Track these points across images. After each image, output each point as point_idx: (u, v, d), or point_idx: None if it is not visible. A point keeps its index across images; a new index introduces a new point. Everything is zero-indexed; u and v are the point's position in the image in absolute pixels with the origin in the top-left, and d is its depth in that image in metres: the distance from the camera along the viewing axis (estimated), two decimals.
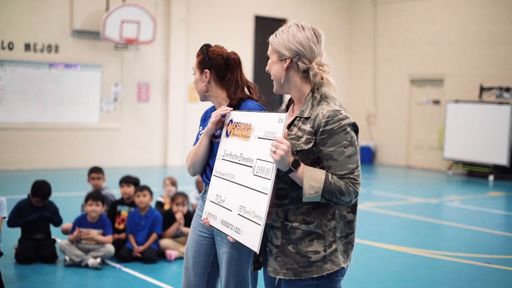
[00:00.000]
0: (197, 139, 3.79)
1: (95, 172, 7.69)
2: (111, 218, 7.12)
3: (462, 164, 15.99)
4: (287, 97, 3.50)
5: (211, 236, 3.70)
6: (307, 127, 2.84)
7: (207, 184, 3.65)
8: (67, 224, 7.21)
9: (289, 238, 2.88)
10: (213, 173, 3.46)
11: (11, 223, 6.72)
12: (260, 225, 2.83)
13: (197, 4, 16.65)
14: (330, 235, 2.86)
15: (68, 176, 13.80)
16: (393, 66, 18.41)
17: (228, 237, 3.12)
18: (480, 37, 16.10)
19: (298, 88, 2.96)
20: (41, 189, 6.85)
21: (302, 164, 2.78)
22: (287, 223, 2.88)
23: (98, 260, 6.62)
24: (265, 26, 17.73)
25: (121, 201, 7.41)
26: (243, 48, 17.20)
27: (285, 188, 2.89)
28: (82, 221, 6.85)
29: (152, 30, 15.12)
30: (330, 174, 2.77)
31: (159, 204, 8.26)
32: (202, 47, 3.74)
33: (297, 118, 2.91)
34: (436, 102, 17.23)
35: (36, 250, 6.74)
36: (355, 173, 2.79)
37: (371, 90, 19.00)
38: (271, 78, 3.04)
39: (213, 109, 3.83)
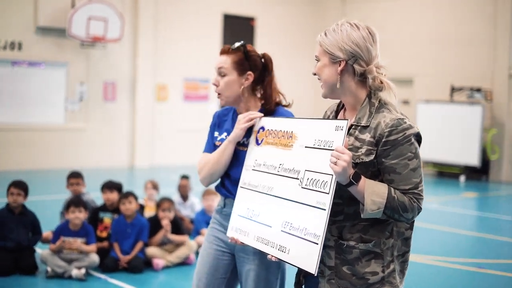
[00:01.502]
0: (209, 144, 3.48)
1: (74, 177, 7.28)
2: (93, 226, 6.74)
3: (433, 164, 15.97)
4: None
5: (231, 251, 3.40)
6: (367, 136, 2.56)
7: (228, 197, 3.36)
8: (46, 232, 6.80)
9: (344, 258, 2.60)
10: (240, 185, 3.17)
11: None
12: (317, 244, 2.53)
13: (165, 2, 16.26)
14: (388, 254, 2.60)
15: (32, 179, 13.19)
16: None
17: (269, 256, 2.82)
18: (450, 37, 16.07)
19: (353, 93, 2.66)
20: (22, 184, 6.55)
21: (362, 177, 2.50)
22: (342, 242, 2.60)
23: (83, 270, 6.25)
24: (234, 25, 17.45)
25: (103, 208, 7.03)
26: (211, 47, 16.90)
27: (339, 203, 2.60)
28: (64, 230, 6.45)
29: (120, 28, 14.68)
30: (392, 189, 2.50)
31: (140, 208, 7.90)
32: (241, 46, 3.34)
33: (353, 127, 2.62)
34: (406, 102, 17.16)
35: (14, 260, 6.32)
36: (419, 188, 2.53)
37: None
38: (320, 82, 2.74)
39: (226, 113, 3.51)
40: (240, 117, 3.25)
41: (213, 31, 17.15)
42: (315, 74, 2.76)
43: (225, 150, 3.30)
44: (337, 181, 2.51)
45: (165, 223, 6.89)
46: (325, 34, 2.67)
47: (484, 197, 13.29)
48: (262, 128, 3.14)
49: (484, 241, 8.96)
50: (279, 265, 3.33)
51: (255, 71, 3.34)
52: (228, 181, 3.37)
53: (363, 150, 2.55)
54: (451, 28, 16.09)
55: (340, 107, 2.84)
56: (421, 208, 2.53)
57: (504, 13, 15.09)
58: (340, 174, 2.46)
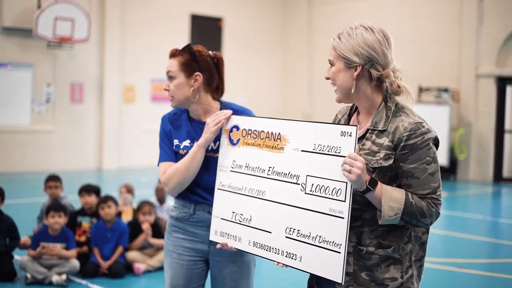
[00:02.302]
0: (167, 153, 3.29)
1: (53, 180, 7.14)
2: (71, 230, 6.59)
3: None
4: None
5: (204, 258, 3.32)
6: (384, 141, 2.52)
7: (200, 202, 3.23)
8: (23, 237, 6.65)
9: (362, 265, 2.56)
10: (217, 187, 3.05)
11: None
12: (340, 253, 2.48)
13: (132, 1, 16.10)
14: (407, 259, 2.57)
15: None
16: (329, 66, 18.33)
17: (277, 263, 2.75)
18: (417, 38, 16.21)
19: (369, 97, 2.61)
20: None
21: (379, 183, 2.46)
22: (361, 248, 2.56)
23: (63, 276, 6.12)
24: (201, 25, 17.36)
25: (82, 212, 6.90)
26: (178, 47, 16.75)
27: (357, 209, 2.55)
28: (43, 235, 6.31)
29: (87, 28, 14.48)
30: (410, 194, 2.47)
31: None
32: (186, 47, 3.27)
33: (370, 131, 2.58)
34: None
35: None
36: (437, 193, 2.50)
37: (307, 90, 18.90)
38: (334, 87, 2.69)
39: (176, 117, 3.36)
40: (209, 120, 3.11)
41: (181, 31, 17.04)
42: (328, 79, 2.71)
43: (195, 156, 3.15)
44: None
45: (146, 226, 6.79)
46: (339, 38, 2.62)
47: (453, 197, 13.43)
48: (236, 127, 3.02)
49: (456, 240, 9.04)
50: (254, 262, 3.34)
51: (205, 71, 3.25)
52: (198, 188, 3.24)
53: (381, 155, 2.51)
54: (418, 29, 16.23)
55: (353, 111, 2.79)
56: (439, 213, 2.51)
57: (470, 13, 15.28)
58: (355, 182, 2.42)
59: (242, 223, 2.92)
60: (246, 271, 3.30)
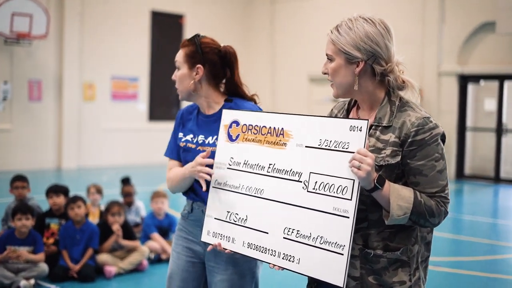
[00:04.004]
0: (172, 147, 3.25)
1: (20, 180, 6.86)
2: (39, 232, 6.34)
3: None
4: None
5: (201, 261, 3.18)
6: (390, 137, 2.39)
7: (197, 200, 3.12)
8: None
9: (370, 268, 2.43)
10: (212, 185, 2.89)
11: None
12: (343, 254, 2.34)
13: None
14: (414, 261, 2.46)
15: None
16: (292, 64, 18.29)
17: (273, 266, 2.59)
18: None
19: (371, 93, 2.48)
20: None
21: (387, 181, 2.33)
22: (368, 251, 2.43)
23: (32, 281, 5.87)
24: (162, 22, 17.10)
25: (50, 213, 6.65)
26: (139, 44, 16.54)
27: (363, 210, 2.42)
28: (9, 238, 6.05)
29: (46, 24, 14.08)
30: (418, 193, 2.35)
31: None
32: (193, 37, 3.14)
33: (374, 127, 2.44)
34: (335, 100, 17.24)
35: None
36: (446, 191, 2.39)
37: (269, 88, 18.79)
38: (331, 82, 2.53)
39: (191, 110, 3.26)
40: (196, 162, 2.93)
41: (141, 28, 16.75)
42: (325, 73, 2.56)
43: (184, 180, 3.06)
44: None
45: (116, 228, 6.57)
46: (338, 31, 2.48)
47: None
48: (236, 122, 2.86)
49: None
50: (254, 273, 3.14)
51: (208, 64, 3.11)
52: (196, 184, 3.11)
53: (387, 152, 2.38)
54: None
55: (351, 106, 2.65)
56: (447, 212, 2.40)
57: (432, 12, 15.36)
58: (364, 179, 2.28)
59: (236, 223, 2.76)
60: (239, 282, 3.09)
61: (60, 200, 6.63)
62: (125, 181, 8.24)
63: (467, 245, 8.65)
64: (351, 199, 2.34)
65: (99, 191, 7.71)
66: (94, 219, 7.26)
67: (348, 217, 2.34)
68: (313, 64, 17.83)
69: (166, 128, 16.53)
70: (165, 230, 7.35)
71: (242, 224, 2.73)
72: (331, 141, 2.43)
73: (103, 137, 15.89)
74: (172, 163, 3.24)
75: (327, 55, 2.52)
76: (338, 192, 2.37)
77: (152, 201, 7.45)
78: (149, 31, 16.89)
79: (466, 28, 14.93)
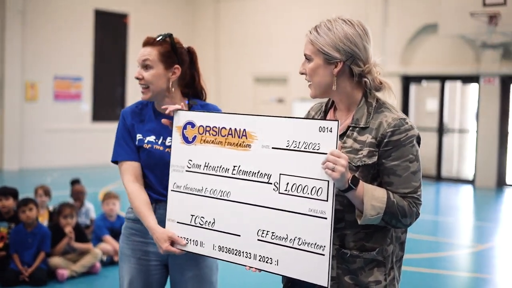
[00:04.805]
0: (126, 149, 3.12)
1: None
2: None
3: None
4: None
5: (163, 262, 3.16)
6: (367, 138, 2.42)
7: (162, 200, 3.05)
8: None
9: (346, 268, 2.46)
10: (171, 188, 2.84)
11: None
12: (324, 255, 2.35)
13: None
14: (389, 261, 2.50)
15: None
16: (236, 64, 18.31)
17: (249, 268, 2.57)
18: None
19: (348, 94, 2.51)
20: None
21: (361, 181, 2.36)
22: (345, 251, 2.45)
23: None
24: (106, 21, 16.89)
25: None
26: (83, 44, 16.30)
27: (340, 210, 2.44)
28: None
29: None
30: (391, 193, 2.38)
31: None
32: (168, 36, 3.10)
33: (351, 128, 2.47)
34: (281, 101, 17.35)
35: None
36: (418, 193, 2.42)
37: (214, 88, 18.76)
38: (309, 83, 2.54)
39: (138, 110, 3.20)
40: (158, 242, 2.88)
41: (85, 27, 16.50)
42: (302, 74, 2.57)
43: (144, 221, 3.00)
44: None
45: (69, 230, 6.46)
46: (317, 31, 2.49)
47: None
48: (190, 124, 2.80)
49: None
50: (217, 265, 3.19)
51: (182, 64, 3.12)
52: (158, 185, 3.08)
53: (364, 152, 2.41)
54: None
55: (328, 107, 2.67)
56: (419, 214, 2.43)
57: (375, 14, 15.59)
58: (339, 180, 2.29)
59: (203, 226, 2.72)
60: (209, 274, 3.14)
61: (9, 202, 6.48)
62: (75, 182, 8.10)
63: (411, 242, 8.75)
64: (327, 200, 2.34)
65: (47, 192, 7.54)
66: (42, 221, 7.11)
67: (326, 218, 2.34)
68: (258, 64, 17.89)
69: (110, 128, 16.32)
70: (117, 232, 7.25)
71: (210, 228, 2.70)
72: (299, 142, 2.41)
73: (46, 138, 15.60)
74: (127, 165, 3.12)
75: (305, 55, 2.53)
76: (312, 194, 2.37)
77: (103, 203, 7.35)
78: (93, 30, 16.66)
79: (409, 30, 15.23)
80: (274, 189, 2.48)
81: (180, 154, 2.82)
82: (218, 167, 2.68)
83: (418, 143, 2.46)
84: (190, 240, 2.78)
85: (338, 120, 2.35)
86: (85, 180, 8.24)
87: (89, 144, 16.22)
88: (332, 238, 2.40)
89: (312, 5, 16.71)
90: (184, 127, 2.82)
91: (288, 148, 2.45)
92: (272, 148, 2.50)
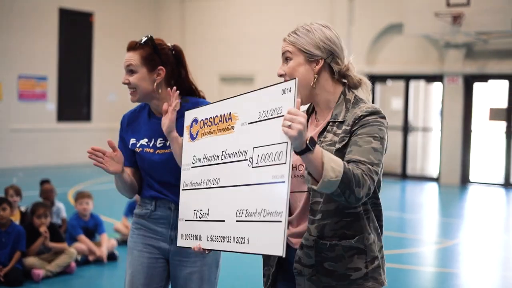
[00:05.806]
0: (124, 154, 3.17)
1: None
2: None
3: None
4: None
5: (165, 257, 3.21)
6: (344, 129, 2.48)
7: (160, 198, 3.14)
8: None
9: (325, 256, 2.49)
10: (182, 188, 2.86)
11: None
12: (281, 221, 2.23)
13: None
14: (371, 249, 2.56)
15: None
16: (202, 64, 18.28)
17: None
18: None
19: (328, 91, 2.58)
20: None
21: (317, 145, 2.31)
22: (324, 242, 2.48)
23: None
24: (71, 20, 16.76)
25: None
26: (47, 43, 16.14)
27: (319, 202, 2.48)
28: None
29: None
30: (346, 163, 2.35)
31: None
32: (148, 39, 3.16)
33: (330, 123, 2.54)
34: None
35: None
36: (374, 167, 2.40)
37: None
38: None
39: (136, 114, 3.27)
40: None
41: (50, 26, 16.35)
42: (281, 76, 2.60)
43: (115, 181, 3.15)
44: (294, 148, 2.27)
45: (44, 229, 6.43)
46: (295, 33, 2.60)
47: None
48: (195, 120, 2.84)
49: None
50: (218, 263, 3.23)
51: (167, 65, 3.15)
52: (157, 184, 3.15)
53: (338, 140, 2.47)
54: (291, 26, 16.41)
55: (309, 113, 2.71)
56: (371, 189, 2.39)
57: (341, 14, 15.77)
58: (296, 138, 2.21)
59: (201, 219, 2.71)
60: (207, 272, 3.17)
61: None
62: (45, 182, 8.04)
63: (392, 240, 8.93)
64: (285, 163, 2.25)
65: (17, 192, 7.45)
66: (15, 221, 7.05)
67: (284, 182, 2.25)
68: (224, 64, 17.92)
69: (75, 128, 16.23)
70: (91, 231, 7.24)
71: (205, 219, 2.68)
72: (268, 111, 2.37)
73: (11, 138, 15.41)
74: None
75: (286, 57, 2.60)
76: (275, 159, 2.29)
77: (76, 202, 7.32)
78: (58, 29, 16.51)
79: (374, 29, 15.44)
80: (248, 164, 2.43)
81: (187, 152, 2.86)
82: (212, 156, 2.68)
83: (387, 133, 2.51)
84: (192, 235, 2.76)
85: (296, 78, 2.32)
86: (52, 180, 8.17)
87: (55, 144, 16.08)
88: (310, 230, 2.45)
89: (277, 4, 16.81)
90: (191, 125, 2.87)
91: (260, 119, 2.41)
92: (249, 123, 2.48)
